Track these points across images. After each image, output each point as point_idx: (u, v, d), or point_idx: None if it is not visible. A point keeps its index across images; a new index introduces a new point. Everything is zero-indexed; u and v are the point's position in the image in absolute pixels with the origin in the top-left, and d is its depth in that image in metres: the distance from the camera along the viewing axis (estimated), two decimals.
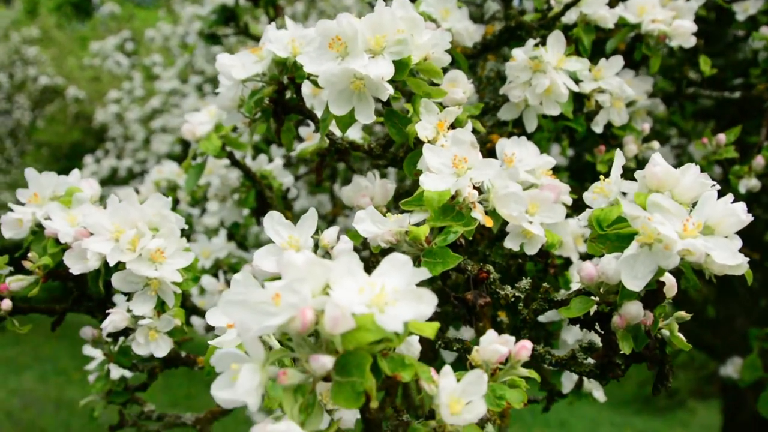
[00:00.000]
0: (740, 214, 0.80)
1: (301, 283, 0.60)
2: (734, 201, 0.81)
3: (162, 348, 1.07)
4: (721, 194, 0.83)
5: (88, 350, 1.52)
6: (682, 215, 0.80)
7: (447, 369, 0.66)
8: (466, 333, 1.43)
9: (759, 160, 1.53)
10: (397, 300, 0.63)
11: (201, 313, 1.56)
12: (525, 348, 0.72)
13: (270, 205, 1.47)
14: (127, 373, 1.43)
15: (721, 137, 1.54)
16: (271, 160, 1.60)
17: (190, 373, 1.44)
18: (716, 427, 5.02)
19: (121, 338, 1.21)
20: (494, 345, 0.71)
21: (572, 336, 1.29)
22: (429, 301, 0.63)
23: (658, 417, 11.19)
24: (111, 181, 6.64)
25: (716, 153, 1.54)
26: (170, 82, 6.17)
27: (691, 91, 1.71)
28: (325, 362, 0.60)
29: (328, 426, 0.67)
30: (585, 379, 1.38)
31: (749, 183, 1.53)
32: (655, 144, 1.47)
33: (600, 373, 0.93)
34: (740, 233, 0.81)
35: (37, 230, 1.14)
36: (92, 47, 7.83)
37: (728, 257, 0.78)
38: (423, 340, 0.78)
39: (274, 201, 1.48)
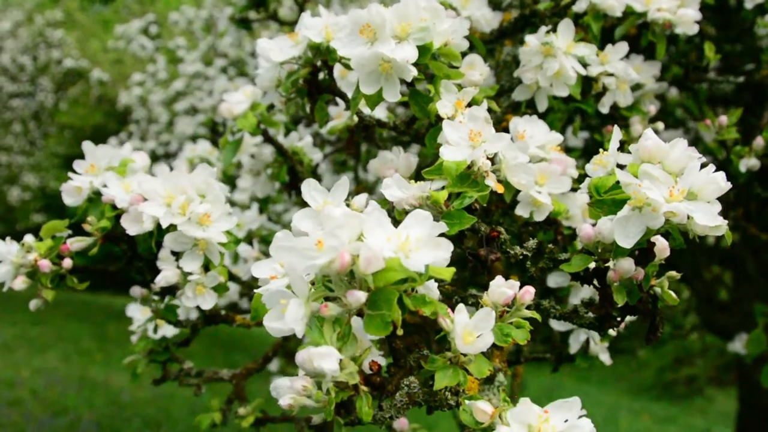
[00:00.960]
0: (720, 182, 0.92)
1: (340, 230, 0.74)
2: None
3: (208, 301, 1.21)
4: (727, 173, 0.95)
5: (131, 311, 1.67)
6: (669, 183, 0.93)
7: (461, 307, 0.80)
8: None
9: (759, 141, 1.64)
10: (420, 247, 0.77)
11: (235, 279, 1.70)
12: (528, 292, 0.85)
13: (301, 179, 1.60)
14: (168, 333, 1.58)
15: (723, 119, 1.66)
16: (300, 138, 1.73)
17: (211, 351, 1.57)
18: (734, 415, 5.13)
19: (167, 296, 1.35)
20: (502, 288, 0.84)
21: (578, 299, 1.42)
22: (446, 248, 0.76)
23: (676, 404, 11.28)
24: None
25: (719, 134, 1.66)
26: (193, 65, 6.31)
27: (697, 76, 1.83)
28: (359, 296, 0.74)
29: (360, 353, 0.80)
30: (591, 342, 1.50)
31: (749, 162, 1.65)
32: (660, 125, 1.58)
33: (599, 325, 1.06)
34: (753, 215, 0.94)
35: (94, 198, 1.28)
36: (116, 30, 7.98)
37: (708, 219, 0.91)
38: (442, 295, 0.91)
39: (305, 175, 1.61)
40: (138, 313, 1.67)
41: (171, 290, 1.31)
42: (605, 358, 1.54)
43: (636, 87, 1.67)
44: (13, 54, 9.69)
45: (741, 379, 5.22)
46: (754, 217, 3.01)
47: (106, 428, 6.51)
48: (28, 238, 1.26)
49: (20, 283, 1.23)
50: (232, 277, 1.62)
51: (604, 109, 1.45)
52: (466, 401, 0.79)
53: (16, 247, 1.25)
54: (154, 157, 6.87)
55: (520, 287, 0.92)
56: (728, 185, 0.93)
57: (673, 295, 1.04)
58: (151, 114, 6.87)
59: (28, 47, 9.81)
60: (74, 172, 1.31)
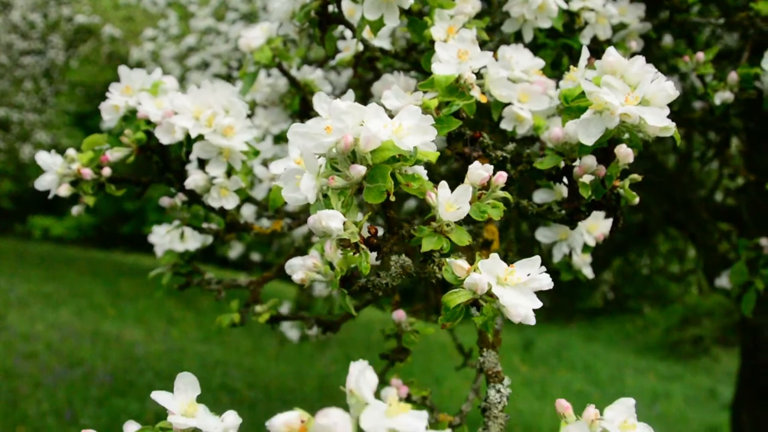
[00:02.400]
0: (669, 90, 1.10)
1: (345, 116, 0.93)
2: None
3: (231, 202, 1.40)
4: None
5: (153, 237, 1.85)
6: (625, 91, 1.11)
7: (443, 183, 0.98)
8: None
9: (733, 76, 1.82)
10: (410, 133, 0.96)
11: (252, 200, 1.89)
12: (502, 176, 1.04)
13: (312, 108, 1.78)
14: (191, 247, 1.77)
15: (700, 55, 1.83)
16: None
17: (222, 312, 1.75)
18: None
19: (192, 205, 1.55)
20: (479, 170, 1.02)
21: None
22: (431, 133, 0.95)
23: (681, 363, 11.55)
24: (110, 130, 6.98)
25: (696, 69, 1.84)
26: (205, 20, 6.47)
27: (681, 17, 1.99)
28: (360, 170, 0.92)
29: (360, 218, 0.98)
30: (574, 255, 1.68)
31: (723, 95, 1.83)
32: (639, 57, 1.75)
33: (569, 219, 1.25)
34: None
35: (129, 115, 1.47)
36: None
37: (658, 120, 1.09)
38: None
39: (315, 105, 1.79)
40: (159, 236, 1.85)
41: (195, 200, 1.50)
42: (588, 271, 1.72)
43: (621, 27, 1.84)
44: (23, 11, 9.85)
45: (743, 333, 5.35)
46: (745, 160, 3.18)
47: (119, 380, 6.77)
48: (71, 151, 1.45)
49: (64, 191, 1.42)
50: (248, 199, 1.81)
51: (585, 40, 1.62)
52: (447, 260, 0.98)
53: (60, 159, 1.44)
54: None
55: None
56: (677, 93, 1.11)
57: (634, 193, 1.23)
58: (164, 69, 7.02)
59: (38, 4, 9.97)
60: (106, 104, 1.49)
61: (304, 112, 1.82)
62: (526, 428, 7.13)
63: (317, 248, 1.20)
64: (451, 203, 0.97)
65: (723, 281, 2.67)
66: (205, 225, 1.62)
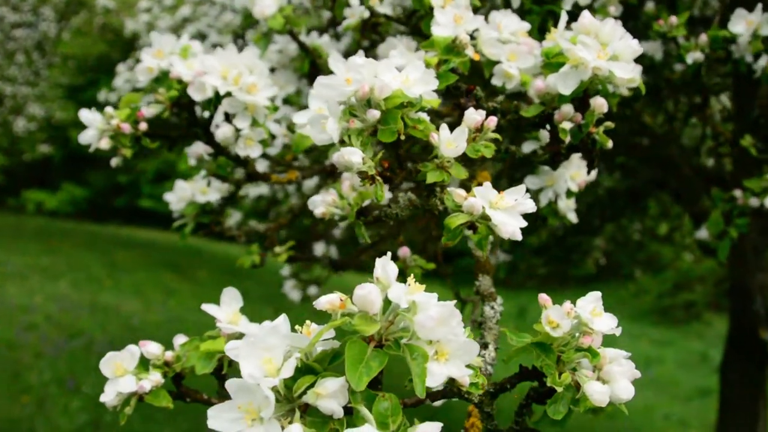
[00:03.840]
0: (634, 46, 1.32)
1: (362, 69, 1.14)
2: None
3: (255, 151, 1.62)
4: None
5: (169, 196, 2.05)
6: (597, 48, 1.32)
7: (444, 125, 1.20)
8: None
9: (703, 38, 2.04)
10: (416, 84, 1.17)
11: (266, 156, 2.09)
12: (493, 120, 1.25)
13: (321, 71, 1.99)
14: (212, 198, 1.98)
15: (673, 19, 2.04)
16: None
17: (222, 280, 1.94)
18: None
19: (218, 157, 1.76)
20: (474, 115, 1.23)
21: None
22: (434, 84, 1.17)
23: (674, 328, 11.87)
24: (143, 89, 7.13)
25: (670, 32, 2.05)
26: None
27: None
28: (375, 113, 1.14)
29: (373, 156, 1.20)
30: (560, 201, 1.89)
31: (695, 55, 2.04)
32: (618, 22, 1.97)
33: (551, 161, 1.46)
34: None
35: (161, 77, 1.68)
36: None
37: (625, 73, 1.31)
38: None
39: (323, 67, 2.00)
40: (174, 197, 2.06)
41: (220, 152, 1.71)
42: (572, 216, 1.93)
43: None
44: None
45: (732, 295, 5.55)
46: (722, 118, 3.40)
47: (119, 349, 6.98)
48: (109, 109, 1.66)
49: (105, 144, 1.63)
50: (263, 155, 2.01)
51: (567, 6, 1.83)
52: (448, 189, 1.19)
53: (99, 116, 1.65)
54: None
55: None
56: (641, 49, 1.33)
57: (608, 138, 1.44)
58: None
59: None
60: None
61: (313, 74, 2.03)
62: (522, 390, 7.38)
63: (335, 187, 1.41)
64: (450, 141, 1.19)
65: (702, 233, 2.89)
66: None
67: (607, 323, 1.00)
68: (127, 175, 14.74)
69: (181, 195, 2.05)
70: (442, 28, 1.42)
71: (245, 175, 1.78)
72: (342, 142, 1.18)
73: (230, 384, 0.83)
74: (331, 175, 1.95)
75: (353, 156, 1.14)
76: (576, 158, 1.67)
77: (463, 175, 1.23)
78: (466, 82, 1.47)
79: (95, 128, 1.63)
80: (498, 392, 1.04)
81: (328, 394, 0.82)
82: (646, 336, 11.18)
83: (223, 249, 14.59)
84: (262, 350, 0.84)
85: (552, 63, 1.36)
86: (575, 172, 1.73)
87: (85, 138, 1.63)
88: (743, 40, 1.98)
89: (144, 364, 1.25)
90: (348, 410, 0.84)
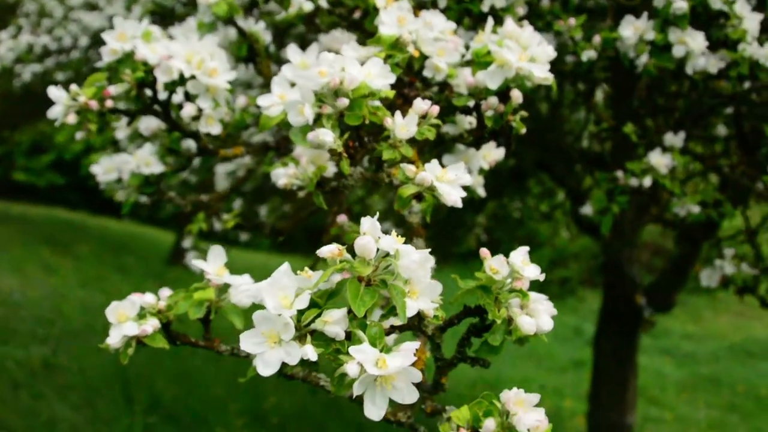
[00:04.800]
0: (549, 52, 1.64)
1: (334, 63, 1.40)
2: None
3: (215, 128, 1.85)
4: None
5: (96, 168, 2.25)
6: (519, 51, 1.63)
7: (398, 113, 1.48)
8: None
9: (597, 39, 2.40)
10: (377, 77, 1.45)
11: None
12: (436, 108, 1.53)
13: (258, 54, 2.23)
14: (156, 170, 2.19)
15: (572, 21, 2.39)
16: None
17: (101, 253, 2.17)
18: None
19: (172, 132, 1.98)
20: (421, 104, 1.51)
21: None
22: (391, 78, 1.45)
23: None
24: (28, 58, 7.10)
25: (569, 32, 2.40)
26: None
27: None
28: (344, 101, 1.41)
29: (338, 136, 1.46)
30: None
31: (589, 53, 2.40)
32: (526, 22, 2.29)
33: (476, 143, 1.77)
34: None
35: (124, 58, 1.88)
36: None
37: (542, 73, 1.62)
38: None
39: (261, 52, 2.24)
40: (101, 169, 2.26)
41: (176, 128, 1.93)
42: (480, 191, 2.25)
43: None
44: None
45: (606, 269, 6.03)
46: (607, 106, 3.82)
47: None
48: (74, 87, 1.85)
49: (72, 119, 1.82)
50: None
51: (485, 7, 2.14)
52: (401, 165, 1.47)
53: (65, 94, 1.84)
54: (47, 53, 7.18)
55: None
56: (554, 54, 1.65)
57: (522, 124, 1.76)
58: (44, 8, 7.14)
59: None
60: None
61: (250, 57, 2.27)
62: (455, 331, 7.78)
63: (293, 161, 1.67)
64: (404, 126, 1.47)
65: (586, 209, 3.28)
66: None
67: (533, 271, 1.31)
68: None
69: (107, 167, 2.25)
70: (388, 27, 1.69)
71: (197, 149, 2.01)
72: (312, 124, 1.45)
73: (256, 315, 1.10)
74: (273, 150, 2.19)
75: (326, 136, 1.41)
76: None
77: (410, 153, 1.51)
78: (405, 75, 1.75)
79: (62, 104, 1.83)
80: (446, 327, 1.34)
81: (334, 321, 1.10)
82: None
83: (102, 224, 14.41)
84: (279, 289, 1.11)
85: (481, 62, 1.66)
86: (487, 152, 2.04)
87: (52, 113, 1.83)
88: (630, 41, 2.34)
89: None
90: (345, 336, 1.12)
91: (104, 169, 2.26)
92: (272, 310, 1.08)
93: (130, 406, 5.72)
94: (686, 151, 2.90)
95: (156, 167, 2.18)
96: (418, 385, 1.12)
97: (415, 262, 1.11)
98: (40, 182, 16.18)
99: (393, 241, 1.11)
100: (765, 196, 2.84)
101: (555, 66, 1.75)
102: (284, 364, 1.12)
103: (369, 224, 1.14)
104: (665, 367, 10.28)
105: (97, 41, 6.60)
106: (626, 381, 5.72)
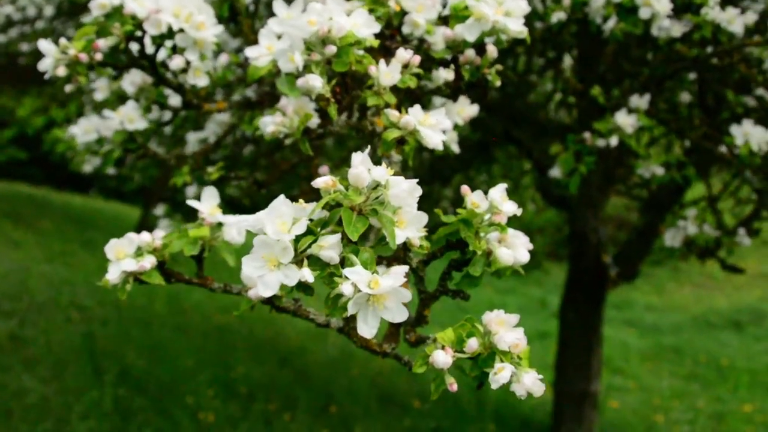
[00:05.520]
0: (523, 6, 1.74)
1: (322, 13, 1.49)
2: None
3: (202, 81, 1.93)
4: None
5: (75, 129, 2.32)
6: (495, 5, 1.73)
7: (382, 61, 1.57)
8: None
9: (566, 1, 2.51)
10: (362, 26, 1.54)
11: None
12: (417, 58, 1.63)
13: (239, 14, 2.31)
14: (140, 126, 2.26)
15: None
16: None
17: (64, 228, 2.25)
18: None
19: (159, 86, 2.05)
20: (404, 53, 1.61)
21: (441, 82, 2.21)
22: (375, 27, 1.54)
23: (515, 277, 12.76)
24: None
25: None
26: None
27: None
28: (332, 48, 1.50)
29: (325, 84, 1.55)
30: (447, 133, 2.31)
31: (559, 15, 2.51)
32: None
33: (453, 95, 1.87)
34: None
35: (112, 12, 1.95)
36: None
37: (516, 26, 1.72)
38: None
39: (242, 11, 2.32)
40: (80, 130, 2.33)
41: (162, 82, 2.01)
42: (455, 147, 2.35)
43: None
44: None
45: (571, 240, 6.16)
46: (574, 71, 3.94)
47: None
48: (63, 40, 1.92)
49: (62, 71, 1.89)
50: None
51: None
52: (385, 110, 1.56)
53: (55, 46, 1.91)
54: (10, 23, 7.14)
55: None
56: (528, 8, 1.75)
57: (498, 77, 1.86)
58: None
59: None
60: None
61: (232, 17, 2.34)
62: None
63: (279, 111, 1.76)
64: (388, 73, 1.57)
65: (555, 171, 3.40)
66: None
67: (511, 206, 1.41)
68: None
69: (86, 127, 2.31)
70: None
71: (182, 103, 2.08)
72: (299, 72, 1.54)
73: (256, 240, 1.19)
74: (256, 106, 2.28)
75: (316, 81, 1.50)
76: (462, 97, 2.08)
77: (393, 100, 1.61)
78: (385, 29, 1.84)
79: (52, 57, 1.89)
80: (430, 260, 1.45)
81: (329, 246, 1.20)
82: (490, 284, 12.05)
83: (66, 199, 14.32)
84: (277, 217, 1.20)
85: (459, 15, 1.76)
86: (461, 108, 2.14)
87: (42, 66, 1.89)
88: (597, 3, 2.45)
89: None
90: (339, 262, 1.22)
91: (83, 129, 2.33)
92: (272, 235, 1.18)
93: (99, 377, 5.77)
94: (651, 114, 3.02)
95: (139, 123, 2.25)
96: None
97: (404, 191, 1.21)
98: (1, 157, 16.05)
99: (384, 172, 1.21)
100: (727, 160, 2.97)
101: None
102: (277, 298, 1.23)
103: (360, 158, 1.24)
104: (629, 337, 10.54)
105: (62, 11, 6.60)
106: (591, 350, 5.89)
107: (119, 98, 2.34)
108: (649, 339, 10.64)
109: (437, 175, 7.38)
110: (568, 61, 4.25)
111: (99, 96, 2.53)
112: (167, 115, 2.42)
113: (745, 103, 3.26)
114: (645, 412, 7.49)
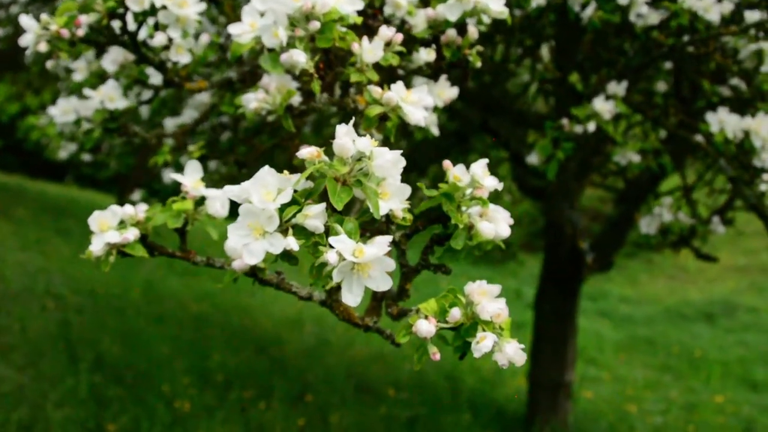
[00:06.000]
0: None
1: None
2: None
3: (184, 58, 1.94)
4: None
5: (53, 110, 2.31)
6: None
7: (365, 38, 1.59)
8: None
9: None
10: (346, 3, 1.55)
11: None
12: (399, 36, 1.65)
13: None
14: (120, 105, 2.26)
15: None
16: None
17: (40, 217, 2.25)
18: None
19: (141, 65, 2.05)
20: (387, 31, 1.62)
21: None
22: (358, 5, 1.55)
23: (491, 268, 12.89)
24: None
25: None
26: None
27: None
28: (316, 24, 1.51)
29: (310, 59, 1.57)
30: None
31: (539, 0, 2.54)
32: None
33: (434, 75, 1.89)
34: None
35: None
36: None
37: (498, 6, 1.74)
38: None
39: None
40: (58, 111, 2.32)
41: (144, 60, 2.01)
42: (435, 130, 2.37)
43: None
44: None
45: (547, 229, 6.22)
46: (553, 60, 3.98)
47: None
48: (44, 16, 1.91)
49: (43, 47, 1.89)
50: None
51: None
52: (368, 87, 1.58)
53: (36, 22, 1.90)
54: None
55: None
56: None
57: (479, 57, 1.88)
58: None
59: None
60: None
61: None
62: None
63: (261, 88, 1.77)
64: (371, 50, 1.58)
65: (532, 158, 3.43)
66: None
67: (492, 181, 1.43)
68: None
69: (64, 108, 2.31)
70: None
71: (163, 81, 2.09)
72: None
73: (242, 209, 1.21)
74: (237, 85, 2.28)
75: (299, 56, 1.51)
76: (443, 78, 2.10)
77: (376, 77, 1.63)
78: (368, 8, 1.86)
79: (33, 33, 1.89)
80: (412, 234, 1.47)
81: (314, 215, 1.21)
82: (466, 275, 11.98)
83: (40, 188, 14.20)
84: (262, 186, 1.21)
85: None
86: (441, 90, 2.16)
87: (24, 41, 1.89)
88: None
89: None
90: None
91: (61, 110, 2.32)
92: (257, 204, 1.19)
93: (75, 365, 5.74)
94: (628, 101, 3.05)
95: (120, 102, 2.25)
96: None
97: (388, 161, 1.22)
98: None
99: (368, 143, 1.22)
100: (702, 149, 3.01)
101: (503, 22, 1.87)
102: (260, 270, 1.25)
103: (345, 129, 1.26)
104: (603, 329, 10.64)
105: None
106: (566, 341, 5.95)
107: (99, 78, 2.34)
108: (623, 330, 10.75)
109: (414, 165, 7.41)
110: (545, 50, 4.29)
111: (78, 77, 2.52)
112: (147, 95, 2.42)
113: (720, 93, 3.30)
114: (618, 403, 7.57)
